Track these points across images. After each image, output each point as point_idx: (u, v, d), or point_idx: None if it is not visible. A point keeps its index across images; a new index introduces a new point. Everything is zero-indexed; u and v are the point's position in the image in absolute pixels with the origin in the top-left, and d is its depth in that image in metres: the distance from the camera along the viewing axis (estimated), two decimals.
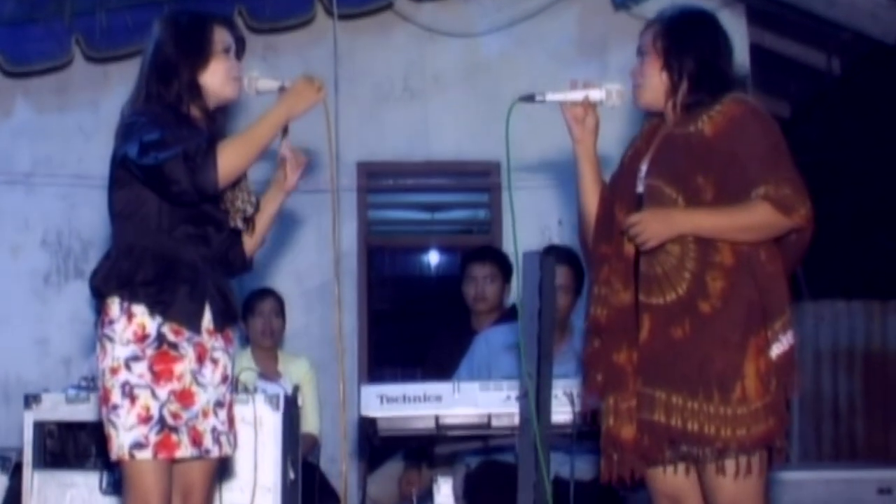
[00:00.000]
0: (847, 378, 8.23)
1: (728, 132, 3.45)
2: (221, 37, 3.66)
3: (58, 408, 4.83)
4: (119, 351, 3.48)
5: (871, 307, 8.35)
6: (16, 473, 5.13)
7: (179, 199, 3.47)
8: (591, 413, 3.68)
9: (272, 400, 4.74)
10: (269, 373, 5.91)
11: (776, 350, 3.40)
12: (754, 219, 3.41)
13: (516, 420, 4.25)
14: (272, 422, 4.72)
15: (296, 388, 5.22)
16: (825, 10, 6.71)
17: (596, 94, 3.67)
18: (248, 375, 5.07)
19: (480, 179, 7.12)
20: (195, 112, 3.63)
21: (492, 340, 5.24)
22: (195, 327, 3.55)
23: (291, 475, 4.85)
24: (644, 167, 3.58)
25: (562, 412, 4.37)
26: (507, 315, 5.49)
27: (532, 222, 6.57)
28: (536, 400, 3.97)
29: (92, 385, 4.65)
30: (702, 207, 3.44)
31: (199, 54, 3.61)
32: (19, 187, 6.90)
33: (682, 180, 3.46)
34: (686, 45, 3.56)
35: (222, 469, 4.14)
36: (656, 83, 3.58)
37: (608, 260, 3.60)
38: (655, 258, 3.47)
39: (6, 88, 6.88)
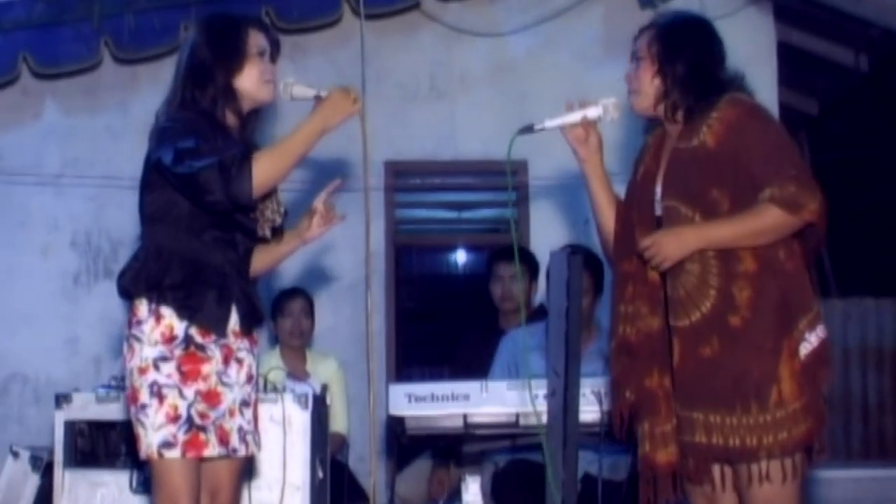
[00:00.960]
0: (876, 376, 8.19)
1: (728, 139, 3.43)
2: (256, 40, 3.66)
3: (88, 407, 4.86)
4: (147, 351, 3.49)
5: None
6: (47, 472, 5.17)
7: (213, 208, 3.47)
8: (620, 412, 3.66)
9: (301, 399, 4.76)
10: (297, 372, 5.92)
11: (804, 350, 3.38)
12: (764, 223, 3.39)
13: (544, 419, 4.26)
14: (301, 421, 4.73)
15: (324, 388, 5.24)
16: (853, 6, 6.68)
17: (593, 112, 3.65)
18: (277, 375, 5.08)
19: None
20: (230, 118, 3.63)
21: (518, 340, 5.24)
22: (222, 332, 3.56)
23: (320, 474, 4.86)
24: (658, 189, 3.56)
25: (589, 411, 4.37)
26: (535, 314, 5.49)
27: (560, 220, 6.57)
28: (564, 398, 3.97)
29: (122, 384, 4.66)
30: (712, 221, 3.42)
31: (234, 58, 3.61)
32: (48, 188, 6.94)
33: (697, 197, 3.45)
34: (679, 50, 3.54)
35: (248, 468, 4.16)
36: (649, 89, 3.57)
37: (631, 278, 3.59)
38: (678, 280, 3.46)
39: (35, 90, 6.93)
